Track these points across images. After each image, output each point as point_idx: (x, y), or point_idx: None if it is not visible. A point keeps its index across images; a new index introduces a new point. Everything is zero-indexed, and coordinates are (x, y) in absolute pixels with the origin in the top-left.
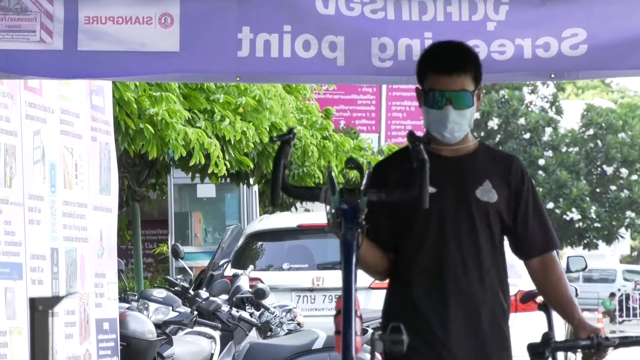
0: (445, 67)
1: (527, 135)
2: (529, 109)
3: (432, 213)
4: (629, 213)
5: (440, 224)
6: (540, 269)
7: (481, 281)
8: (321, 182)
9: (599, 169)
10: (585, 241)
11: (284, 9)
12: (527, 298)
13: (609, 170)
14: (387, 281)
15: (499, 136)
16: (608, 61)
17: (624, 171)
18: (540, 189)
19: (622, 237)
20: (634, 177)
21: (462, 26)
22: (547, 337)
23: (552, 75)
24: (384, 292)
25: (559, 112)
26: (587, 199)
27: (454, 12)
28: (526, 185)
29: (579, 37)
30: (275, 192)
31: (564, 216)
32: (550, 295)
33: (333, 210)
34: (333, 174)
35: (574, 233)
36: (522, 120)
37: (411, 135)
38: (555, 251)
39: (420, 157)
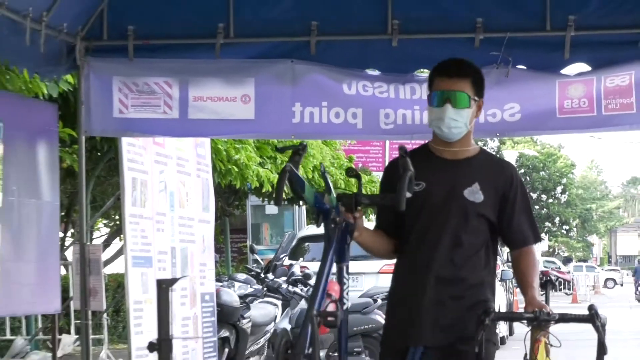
0: (447, 71)
1: None
2: None
3: (424, 207)
4: (547, 224)
5: (429, 216)
6: (517, 258)
7: (461, 269)
8: None
9: (529, 195)
10: None
11: (322, 90)
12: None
13: (534, 195)
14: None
15: None
16: (534, 125)
17: (544, 197)
18: None
19: (542, 239)
20: (550, 200)
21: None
22: (489, 308)
23: (497, 134)
24: (389, 276)
25: (500, 153)
26: None
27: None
28: (514, 189)
29: (514, 109)
30: (279, 192)
31: None
32: (518, 277)
33: (316, 209)
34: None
35: None
36: None
37: (401, 149)
38: (533, 247)
39: (405, 168)
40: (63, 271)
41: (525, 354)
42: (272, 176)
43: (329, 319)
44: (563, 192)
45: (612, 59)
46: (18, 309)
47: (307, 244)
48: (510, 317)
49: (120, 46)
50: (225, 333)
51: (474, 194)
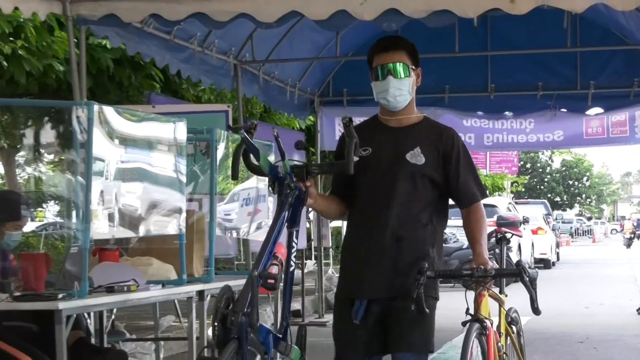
0: (384, 46)
1: (540, 170)
2: (540, 158)
3: (371, 170)
4: (578, 198)
5: (376, 179)
6: (466, 215)
7: (403, 227)
8: None
9: (567, 182)
10: (561, 208)
11: (451, 123)
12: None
13: (570, 182)
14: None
15: (530, 170)
16: (570, 143)
17: (576, 183)
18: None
19: (575, 207)
20: (580, 185)
21: (514, 130)
22: (422, 267)
23: (550, 147)
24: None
25: (552, 160)
26: (563, 193)
27: (514, 125)
28: (455, 150)
29: (559, 133)
30: (235, 169)
31: (554, 200)
32: (467, 234)
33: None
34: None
35: (558, 206)
36: (538, 164)
37: (345, 118)
38: (480, 203)
39: (350, 135)
40: (308, 225)
41: (467, 308)
42: None
43: (269, 281)
44: (587, 180)
45: (615, 105)
46: None
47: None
48: (449, 274)
49: (339, 100)
50: None
51: (416, 156)
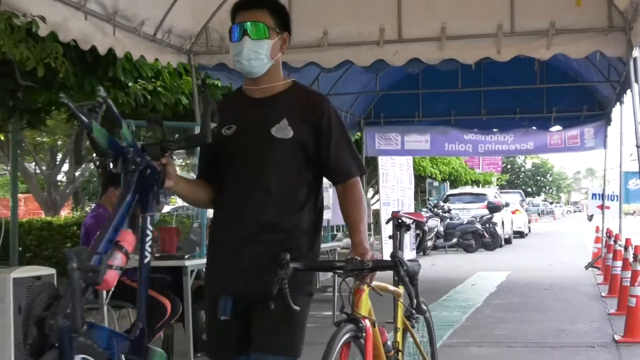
0: (244, 4)
1: (517, 169)
2: (517, 161)
3: (236, 150)
4: (543, 189)
5: (241, 159)
6: (341, 194)
7: (271, 212)
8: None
9: (536, 178)
10: (532, 196)
11: (456, 137)
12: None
13: (538, 178)
14: None
15: (510, 169)
16: (538, 150)
17: (542, 179)
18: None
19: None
20: (544, 179)
21: (499, 142)
22: (283, 260)
23: (524, 154)
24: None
25: (525, 163)
26: (533, 185)
27: (499, 138)
28: (326, 120)
29: (531, 144)
30: (77, 152)
31: (526, 190)
32: (344, 217)
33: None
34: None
35: (529, 194)
36: (515, 165)
37: (202, 84)
38: (357, 179)
39: (205, 102)
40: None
41: (342, 306)
42: (434, 170)
43: (90, 274)
44: (549, 176)
45: (570, 125)
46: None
47: (450, 197)
48: (318, 267)
49: (378, 121)
50: (417, 231)
51: (282, 130)
